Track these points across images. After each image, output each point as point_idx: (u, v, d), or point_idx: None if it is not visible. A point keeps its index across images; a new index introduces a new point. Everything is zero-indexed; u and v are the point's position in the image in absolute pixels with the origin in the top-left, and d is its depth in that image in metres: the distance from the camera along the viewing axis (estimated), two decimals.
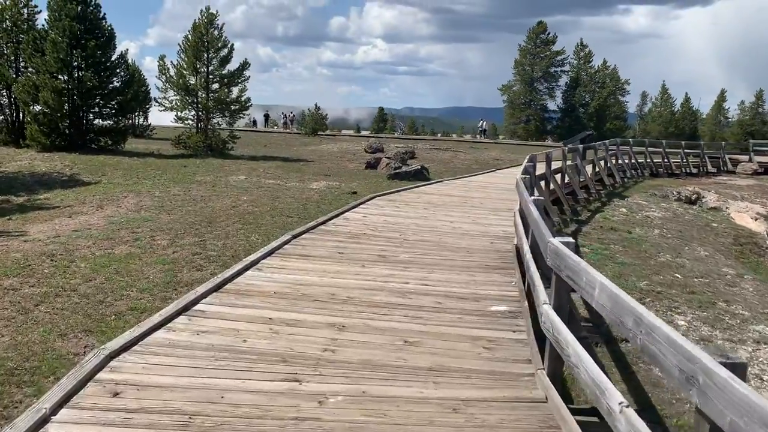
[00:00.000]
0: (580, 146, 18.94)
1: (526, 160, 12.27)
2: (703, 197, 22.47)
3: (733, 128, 72.46)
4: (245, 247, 10.07)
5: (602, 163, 21.09)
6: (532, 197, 6.66)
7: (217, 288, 6.83)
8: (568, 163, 17.23)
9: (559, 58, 66.48)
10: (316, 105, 44.64)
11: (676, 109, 73.72)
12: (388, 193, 14.74)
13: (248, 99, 28.22)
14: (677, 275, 10.59)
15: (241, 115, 28.56)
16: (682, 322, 7.98)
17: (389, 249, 9.09)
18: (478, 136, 58.30)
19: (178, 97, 27.39)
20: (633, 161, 25.44)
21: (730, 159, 32.28)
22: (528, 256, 6.33)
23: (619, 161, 23.58)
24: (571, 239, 5.27)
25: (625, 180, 22.69)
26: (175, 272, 8.59)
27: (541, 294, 5.11)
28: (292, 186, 18.26)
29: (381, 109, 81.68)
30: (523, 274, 7.95)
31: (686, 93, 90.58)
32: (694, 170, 29.45)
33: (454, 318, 6.29)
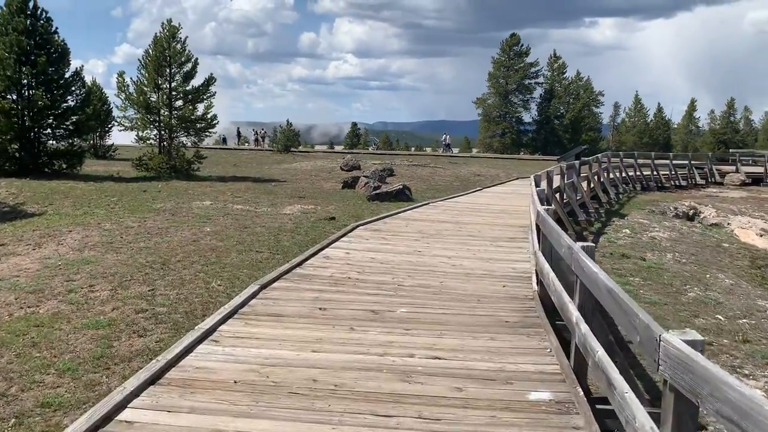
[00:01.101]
0: (576, 162, 17.35)
1: (533, 184, 10.58)
2: (701, 212, 21.06)
3: (706, 137, 72.29)
4: (204, 298, 8.16)
5: (596, 178, 19.55)
6: (580, 243, 4.93)
7: (155, 378, 4.91)
8: (566, 181, 15.63)
9: (533, 70, 65.60)
10: (287, 121, 42.76)
11: (649, 120, 73.36)
12: (372, 221, 12.89)
13: (215, 116, 26.27)
14: (719, 317, 8.91)
15: (208, 133, 26.55)
16: (760, 392, 6.26)
17: (382, 300, 7.24)
18: (440, 149, 57.12)
19: (138, 116, 25.32)
20: (624, 175, 24.01)
21: (717, 170, 31.10)
22: (587, 335, 4.49)
23: (611, 175, 22.10)
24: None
25: (619, 196, 21.19)
26: (110, 341, 6.65)
27: (639, 415, 3.27)
28: (262, 212, 16.34)
29: (354, 124, 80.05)
30: (557, 333, 6.18)
31: (659, 103, 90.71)
32: (683, 183, 28.16)
33: (484, 418, 4.46)
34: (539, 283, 7.35)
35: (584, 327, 4.58)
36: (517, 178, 25.81)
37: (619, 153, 25.49)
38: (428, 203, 16.37)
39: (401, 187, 19.90)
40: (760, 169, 32.00)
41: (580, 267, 4.74)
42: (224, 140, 60.82)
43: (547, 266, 6.43)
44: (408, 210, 14.79)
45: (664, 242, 14.79)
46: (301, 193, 21.54)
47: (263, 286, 7.62)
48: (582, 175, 18.70)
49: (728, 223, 19.37)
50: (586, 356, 4.55)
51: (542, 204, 8.22)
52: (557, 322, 6.81)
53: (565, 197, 15.10)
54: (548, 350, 5.81)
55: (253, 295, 7.26)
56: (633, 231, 15.54)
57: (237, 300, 7.01)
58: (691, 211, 20.94)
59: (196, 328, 6.13)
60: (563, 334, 6.56)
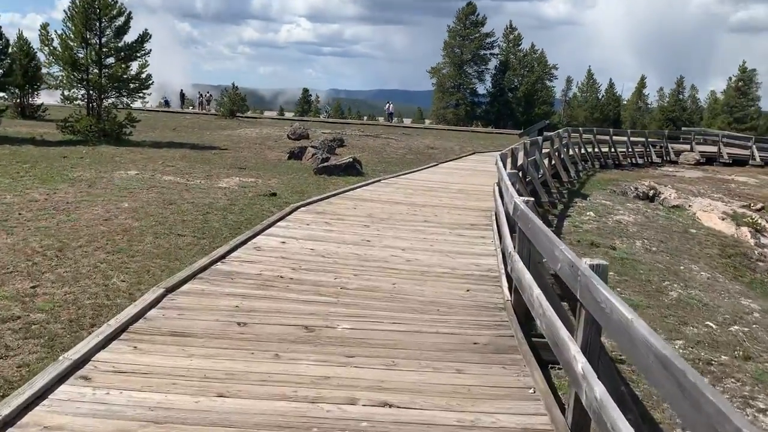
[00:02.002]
0: (540, 138, 16.05)
1: (501, 164, 9.13)
2: (661, 193, 20.16)
3: (654, 114, 72.49)
4: (98, 300, 6.48)
5: (557, 155, 18.34)
6: (587, 261, 3.53)
7: None
8: (528, 158, 14.30)
9: (488, 40, 64.14)
10: (233, 84, 40.37)
11: (601, 95, 73.10)
12: (316, 201, 11.24)
13: (149, 76, 23.97)
14: (710, 323, 7.73)
15: (141, 94, 24.26)
16: None
17: (320, 311, 5.72)
18: (388, 118, 55.69)
19: (64, 73, 22.87)
20: (582, 152, 22.94)
21: (672, 148, 30.45)
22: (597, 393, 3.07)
23: (570, 152, 20.96)
24: None
25: (579, 174, 20.09)
26: None
27: None
28: (195, 185, 14.55)
29: (305, 90, 77.44)
30: (540, 362, 4.81)
31: (610, 79, 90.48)
32: (640, 161, 27.34)
33: None
34: (513, 290, 5.96)
35: (598, 389, 3.16)
36: (473, 153, 24.47)
37: (579, 129, 24.47)
38: (380, 180, 14.82)
39: (351, 160, 18.31)
40: (714, 149, 31.56)
41: (593, 298, 3.32)
42: (167, 103, 57.80)
43: (531, 281, 4.99)
44: (357, 188, 13.22)
45: (631, 227, 13.68)
46: (242, 164, 19.74)
47: (170, 290, 5.98)
48: (543, 151, 17.45)
49: (689, 206, 18.49)
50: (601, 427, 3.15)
51: (516, 190, 6.80)
52: (534, 339, 5.46)
53: (528, 177, 13.79)
54: (531, 391, 4.42)
55: (155, 303, 5.64)
56: (597, 214, 14.38)
57: (129, 311, 5.37)
58: (651, 192, 20.02)
59: (61, 358, 4.49)
60: (541, 355, 5.22)
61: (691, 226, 15.16)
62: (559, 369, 5.53)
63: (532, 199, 5.94)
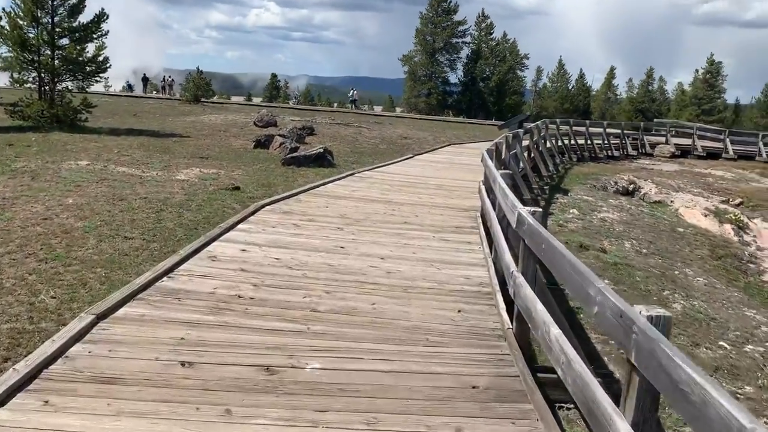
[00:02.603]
0: (520, 131, 15.16)
1: (489, 160, 8.15)
2: (641, 188, 19.50)
3: (624, 105, 72.56)
4: (17, 325, 5.36)
5: (536, 147, 17.49)
6: (644, 311, 2.59)
7: None
8: (510, 152, 13.38)
9: (460, 28, 63.15)
10: (198, 68, 38.76)
11: (571, 86, 72.87)
12: (283, 198, 10.12)
13: (106, 59, 22.47)
14: (723, 344, 6.91)
15: (98, 78, 22.77)
16: None
17: (283, 344, 4.65)
18: (349, 105, 54.45)
19: (13, 54, 21.25)
20: (560, 144, 22.17)
21: (648, 141, 29.94)
22: None
23: (548, 144, 20.15)
24: None
25: (558, 168, 19.29)
26: None
27: None
28: (150, 177, 13.33)
29: (274, 75, 75.69)
30: (548, 401, 3.87)
31: (581, 69, 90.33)
32: (616, 153, 26.74)
33: None
34: (516, 317, 5.00)
35: None
36: (448, 144, 23.52)
37: (556, 121, 23.72)
38: (354, 173, 13.75)
39: (322, 150, 17.20)
40: (688, 141, 31.17)
41: (665, 374, 2.36)
42: (130, 87, 55.73)
43: (544, 314, 4.00)
44: (329, 183, 12.14)
45: (617, 225, 12.89)
46: (204, 153, 18.49)
47: (101, 317, 4.88)
48: (523, 143, 16.58)
49: (671, 201, 17.84)
50: None
51: (514, 194, 5.83)
52: (539, 374, 4.54)
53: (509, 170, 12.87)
54: None
55: (80, 336, 4.53)
56: (581, 211, 13.55)
57: (44, 349, 4.25)
58: (631, 186, 19.34)
59: None
60: (548, 393, 4.30)
61: (677, 224, 14.46)
62: (569, 409, 4.62)
63: (540, 209, 4.97)
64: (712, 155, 30.07)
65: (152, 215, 9.79)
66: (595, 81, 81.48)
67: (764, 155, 30.59)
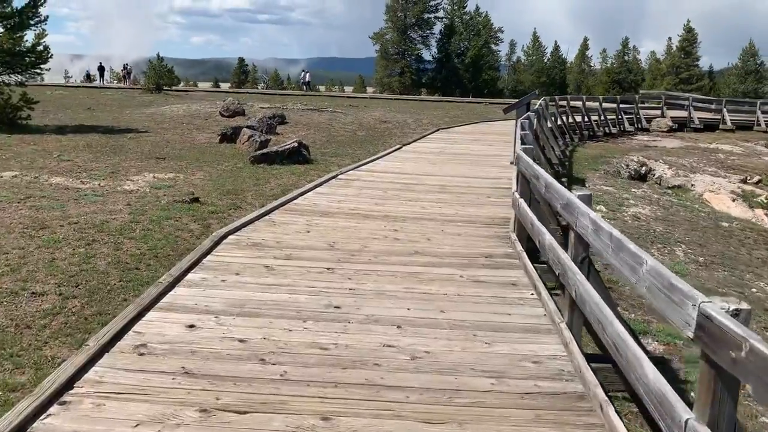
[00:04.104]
0: (532, 115, 12.87)
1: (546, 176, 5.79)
2: (653, 170, 17.38)
3: (601, 76, 70.61)
4: None
5: (542, 132, 15.23)
6: None
7: None
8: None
9: (432, 3, 60.35)
10: (158, 54, 35.71)
11: (546, 59, 70.69)
12: (252, 221, 7.56)
13: (47, 48, 19.62)
14: None
15: (38, 69, 19.92)
16: None
17: None
18: (303, 87, 51.87)
19: None
20: (559, 123, 19.94)
21: (644, 115, 27.89)
22: None
23: (550, 125, 17.91)
24: None
25: (565, 152, 17.08)
26: None
27: None
28: (90, 190, 10.81)
29: (241, 59, 72.25)
30: None
31: (555, 41, 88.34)
32: (614, 130, 24.63)
33: None
34: None
35: None
36: (437, 129, 21.08)
37: (555, 98, 21.49)
38: (337, 175, 11.26)
39: (296, 144, 14.73)
40: (683, 114, 29.22)
41: None
42: (88, 77, 52.23)
43: None
44: (309, 191, 9.63)
45: (654, 224, 10.71)
46: (162, 151, 15.92)
47: None
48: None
49: (692, 185, 15.76)
50: None
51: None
52: None
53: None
54: None
55: None
56: (608, 207, 11.34)
57: None
58: (643, 168, 17.21)
59: None
60: None
61: (715, 216, 12.34)
62: None
63: None
64: (709, 127, 28.21)
65: (80, 250, 7.36)
66: (568, 53, 79.26)
67: (763, 124, 28.79)
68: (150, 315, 4.74)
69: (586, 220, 3.92)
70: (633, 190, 13.29)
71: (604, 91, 63.89)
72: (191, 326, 4.55)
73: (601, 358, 4.17)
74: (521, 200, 6.23)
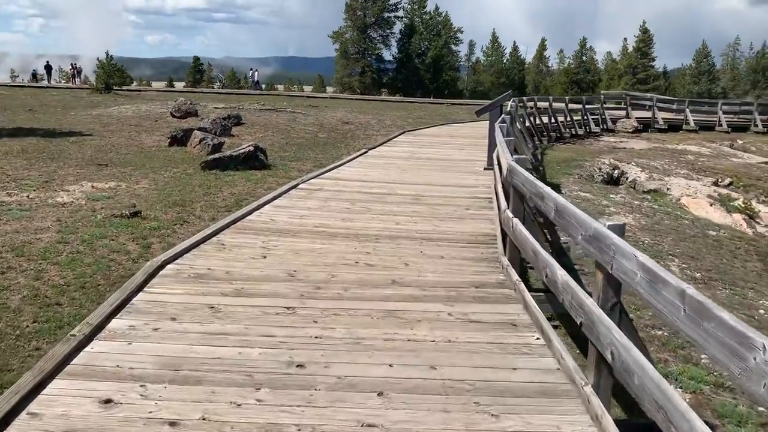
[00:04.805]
0: (508, 118, 11.97)
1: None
2: (626, 173, 16.72)
3: (559, 77, 70.72)
4: None
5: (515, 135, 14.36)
6: None
7: None
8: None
9: (392, 2, 59.36)
10: (107, 53, 33.88)
11: (505, 59, 70.49)
12: (196, 244, 6.33)
13: None
14: None
15: None
16: None
17: None
18: (251, 86, 50.55)
19: None
20: (527, 125, 19.15)
21: (609, 116, 27.40)
22: None
23: (519, 127, 17.09)
24: None
25: (537, 155, 16.27)
26: None
27: None
28: (17, 204, 9.49)
29: (196, 58, 70.12)
30: None
31: (514, 42, 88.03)
32: (580, 131, 24.01)
33: None
34: None
35: None
36: (403, 132, 20.04)
37: (523, 99, 20.72)
38: (297, 184, 10.04)
39: (252, 148, 13.55)
40: (647, 114, 28.88)
41: None
42: (33, 76, 49.70)
43: None
44: (265, 204, 8.44)
45: (641, 234, 9.90)
46: (105, 157, 14.55)
47: None
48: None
49: (668, 189, 15.10)
50: None
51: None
52: None
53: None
54: None
55: None
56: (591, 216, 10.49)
57: None
58: (615, 172, 16.52)
59: None
60: None
61: (701, 223, 11.64)
62: None
63: None
64: (673, 127, 27.92)
65: None
66: (525, 54, 79.16)
67: (724, 125, 28.65)
68: (54, 385, 3.58)
69: (632, 265, 2.94)
70: (611, 196, 12.51)
71: (563, 91, 63.94)
72: (107, 402, 3.41)
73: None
74: (515, 220, 5.24)
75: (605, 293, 3.40)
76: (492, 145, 12.09)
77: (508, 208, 5.64)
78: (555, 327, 5.20)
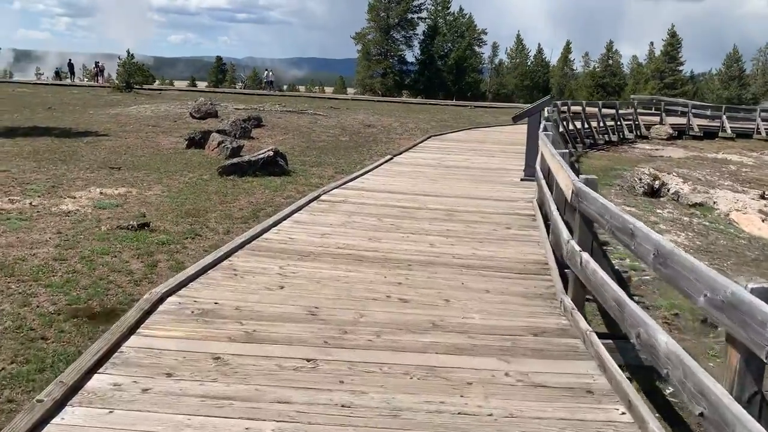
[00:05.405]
0: (550, 125, 11.02)
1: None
2: (667, 184, 15.63)
3: (585, 80, 69.31)
4: None
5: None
6: None
7: None
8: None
9: (416, 3, 58.38)
10: (128, 51, 33.35)
11: (530, 62, 69.23)
12: (204, 271, 5.39)
13: None
14: None
15: None
16: None
17: None
18: (264, 87, 49.47)
19: None
20: (561, 131, 18.14)
21: (642, 122, 26.22)
22: None
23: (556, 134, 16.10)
24: None
25: (574, 164, 15.26)
26: None
27: None
28: (17, 210, 8.75)
29: (219, 58, 69.71)
30: None
31: (539, 44, 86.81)
32: (614, 137, 22.90)
33: None
34: None
35: None
36: (429, 137, 19.10)
37: (557, 103, 19.74)
38: (319, 195, 9.15)
39: (272, 153, 12.73)
40: (682, 120, 27.66)
41: None
42: (57, 74, 49.52)
43: None
44: (284, 219, 7.51)
45: (697, 257, 8.87)
46: (119, 159, 13.84)
47: None
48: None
49: (714, 202, 14.01)
50: None
51: None
52: None
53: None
54: None
55: None
56: None
57: None
58: (656, 183, 15.45)
59: None
60: None
61: (758, 243, 10.58)
62: None
63: None
64: (709, 134, 26.67)
65: None
66: (552, 56, 77.80)
67: (763, 132, 27.33)
68: None
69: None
70: (658, 211, 11.49)
71: (588, 95, 62.59)
72: None
73: None
74: (585, 256, 4.29)
75: (742, 379, 2.47)
76: (531, 153, 11.15)
77: (573, 237, 4.71)
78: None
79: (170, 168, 12.92)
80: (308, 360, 3.92)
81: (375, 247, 6.52)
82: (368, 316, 4.65)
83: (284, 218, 7.49)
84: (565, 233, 4.94)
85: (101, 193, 10.35)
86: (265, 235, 6.69)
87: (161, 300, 4.69)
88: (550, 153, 6.83)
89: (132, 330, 4.15)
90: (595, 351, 3.98)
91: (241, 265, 5.71)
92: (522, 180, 11.22)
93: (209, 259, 5.65)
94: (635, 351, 4.68)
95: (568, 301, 4.68)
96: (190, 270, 5.31)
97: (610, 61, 66.38)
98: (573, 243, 4.58)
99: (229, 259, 5.83)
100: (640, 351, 3.29)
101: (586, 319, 4.68)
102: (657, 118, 27.41)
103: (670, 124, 26.37)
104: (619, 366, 4.05)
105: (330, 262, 5.91)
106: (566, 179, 5.09)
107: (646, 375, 4.89)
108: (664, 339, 3.02)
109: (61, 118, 21.35)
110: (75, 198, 9.89)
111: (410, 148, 15.57)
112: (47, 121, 20.36)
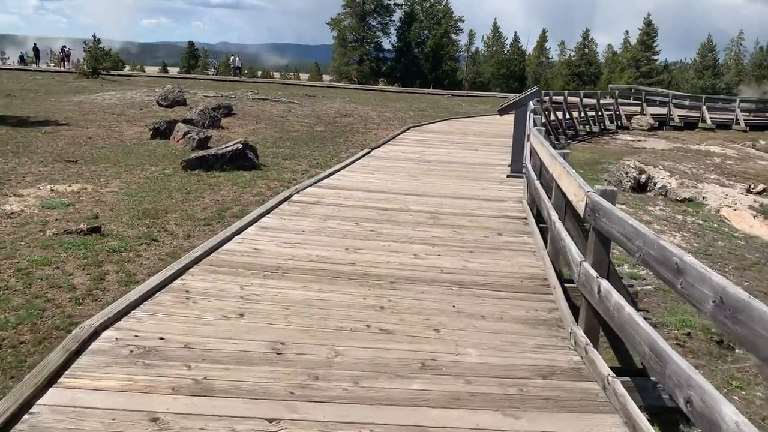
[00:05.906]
0: (538, 118, 10.30)
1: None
2: (653, 177, 15.09)
3: (561, 69, 68.95)
4: None
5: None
6: None
7: None
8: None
9: None
10: (94, 36, 31.88)
11: (506, 50, 68.61)
12: (152, 294, 4.49)
13: None
14: None
15: None
16: None
17: None
18: (231, 72, 48.44)
19: None
20: (544, 121, 17.46)
21: (623, 112, 25.68)
22: None
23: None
24: None
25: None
26: None
27: None
28: None
29: (191, 43, 67.88)
30: None
31: (515, 32, 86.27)
32: (595, 128, 22.32)
33: None
34: None
35: None
36: (408, 128, 18.26)
37: (540, 92, 18.97)
38: (290, 196, 8.27)
39: (240, 146, 11.84)
40: (662, 110, 27.22)
41: None
42: (21, 59, 47.61)
43: None
44: (249, 225, 6.65)
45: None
46: (78, 151, 12.88)
47: None
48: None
49: (703, 197, 13.47)
50: None
51: None
52: None
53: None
54: None
55: None
56: None
57: None
58: (643, 176, 14.89)
59: None
60: None
61: (755, 244, 10.01)
62: None
63: None
64: (689, 125, 26.27)
65: None
66: (528, 45, 77.26)
67: (741, 123, 27.03)
68: None
69: None
70: (650, 208, 10.86)
71: (564, 84, 62.23)
72: None
73: None
74: (605, 285, 3.53)
75: None
76: (518, 148, 10.44)
77: (585, 259, 3.97)
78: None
79: (131, 161, 11.98)
80: (270, 420, 3.13)
81: (353, 259, 5.72)
82: (344, 354, 3.86)
83: (250, 224, 6.64)
84: (575, 252, 4.19)
85: (52, 190, 9.41)
86: (226, 246, 5.84)
87: (96, 334, 3.85)
88: (549, 154, 6.10)
89: (51, 381, 3.31)
90: (621, 405, 3.25)
91: (196, 285, 4.86)
92: (508, 177, 10.50)
93: (158, 279, 4.79)
94: (657, 390, 3.98)
95: (580, 334, 3.94)
96: (133, 294, 4.45)
97: (587, 50, 66.07)
98: (587, 266, 3.83)
99: (183, 277, 4.98)
100: (692, 417, 2.55)
101: (600, 352, 3.94)
102: (637, 108, 26.94)
103: (651, 115, 25.91)
104: (639, 408, 3.34)
105: (300, 281, 5.10)
106: (576, 189, 4.33)
107: (669, 417, 4.20)
108: (732, 415, 2.28)
109: (20, 106, 20.13)
110: (22, 197, 8.95)
111: (389, 141, 14.74)
112: (4, 109, 19.15)
